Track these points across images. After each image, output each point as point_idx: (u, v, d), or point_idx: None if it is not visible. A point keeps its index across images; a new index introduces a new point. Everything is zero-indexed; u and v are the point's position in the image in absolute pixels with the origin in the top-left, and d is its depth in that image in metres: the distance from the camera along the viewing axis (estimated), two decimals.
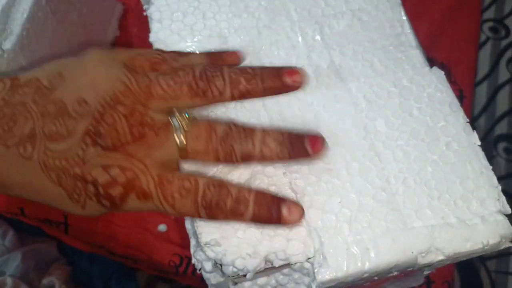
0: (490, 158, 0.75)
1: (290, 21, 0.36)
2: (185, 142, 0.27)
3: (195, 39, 0.36)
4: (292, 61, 0.35)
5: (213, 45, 0.35)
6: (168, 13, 0.37)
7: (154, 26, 0.36)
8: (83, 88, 0.27)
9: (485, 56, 0.71)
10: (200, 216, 0.27)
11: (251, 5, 0.37)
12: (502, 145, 0.75)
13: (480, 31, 0.68)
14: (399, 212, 0.29)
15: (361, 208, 0.29)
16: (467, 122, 0.32)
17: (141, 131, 0.26)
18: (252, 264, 0.28)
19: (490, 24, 0.69)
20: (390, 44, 0.35)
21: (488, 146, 0.76)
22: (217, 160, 0.28)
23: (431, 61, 0.35)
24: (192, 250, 0.31)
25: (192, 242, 0.31)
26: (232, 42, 0.35)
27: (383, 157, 0.31)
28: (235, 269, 0.28)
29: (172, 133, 0.27)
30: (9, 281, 0.51)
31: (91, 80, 0.27)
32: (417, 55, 0.35)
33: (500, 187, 0.30)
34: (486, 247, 0.29)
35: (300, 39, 0.36)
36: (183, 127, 0.27)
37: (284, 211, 0.28)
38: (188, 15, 0.37)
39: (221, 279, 0.31)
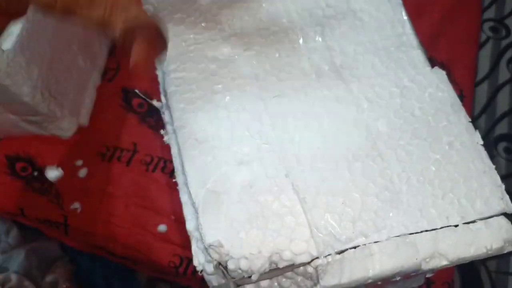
0: (491, 158, 0.74)
1: (291, 23, 0.36)
2: None
3: None
4: (293, 63, 0.34)
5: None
6: None
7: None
8: None
9: (485, 56, 0.71)
10: None
11: (252, 7, 0.37)
12: (502, 145, 0.75)
13: (481, 31, 0.68)
14: (403, 211, 0.29)
15: (365, 208, 0.29)
16: (469, 121, 0.32)
17: None
18: (257, 264, 0.28)
19: (491, 24, 0.69)
20: (391, 45, 0.35)
21: (489, 146, 0.75)
22: None
23: (431, 61, 0.35)
24: (193, 252, 0.31)
25: (193, 244, 0.31)
26: (234, 49, 0.35)
27: (386, 156, 0.31)
28: (239, 271, 0.28)
29: None
30: (13, 277, 0.51)
31: None
32: (418, 55, 0.35)
33: (503, 186, 0.30)
34: (489, 252, 0.29)
35: (301, 41, 0.36)
36: None
37: None
38: None
39: (223, 281, 0.30)
